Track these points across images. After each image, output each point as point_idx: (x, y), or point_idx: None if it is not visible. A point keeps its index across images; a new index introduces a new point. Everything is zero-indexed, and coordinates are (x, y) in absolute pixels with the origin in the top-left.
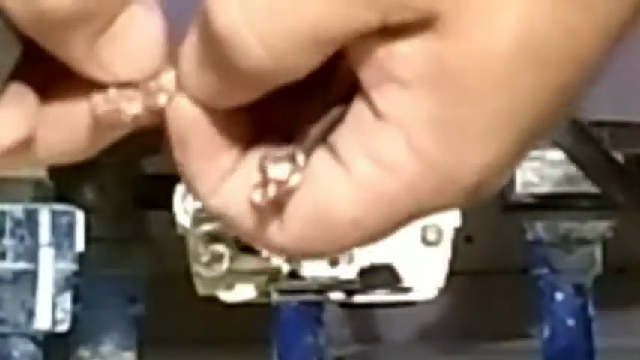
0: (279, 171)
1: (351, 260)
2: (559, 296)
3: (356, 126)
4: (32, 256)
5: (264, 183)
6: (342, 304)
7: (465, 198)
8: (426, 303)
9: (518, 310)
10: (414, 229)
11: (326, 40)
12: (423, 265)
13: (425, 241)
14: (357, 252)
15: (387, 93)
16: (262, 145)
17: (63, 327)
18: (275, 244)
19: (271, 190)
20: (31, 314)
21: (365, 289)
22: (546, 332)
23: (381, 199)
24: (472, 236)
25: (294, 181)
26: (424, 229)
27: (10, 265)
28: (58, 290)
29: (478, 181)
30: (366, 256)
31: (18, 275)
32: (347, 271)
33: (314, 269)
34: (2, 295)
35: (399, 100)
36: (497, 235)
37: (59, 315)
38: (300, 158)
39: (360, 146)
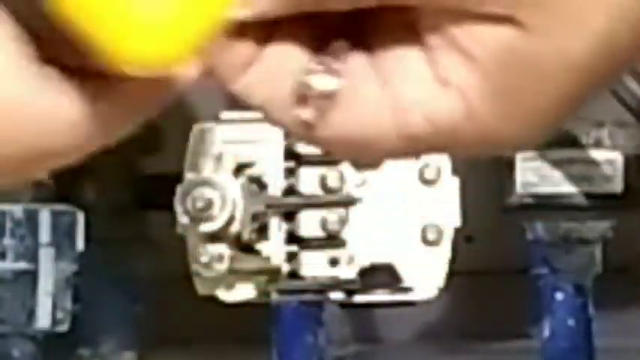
0: (322, 81)
1: (351, 260)
2: (559, 296)
3: (413, 79)
4: (32, 256)
5: (306, 98)
6: (342, 304)
7: (495, 152)
8: (426, 303)
9: (518, 310)
10: (414, 229)
11: None
12: (423, 265)
13: (425, 241)
14: (357, 252)
15: (452, 61)
16: (279, 42)
17: (63, 327)
18: (302, 136)
19: (316, 103)
20: (31, 314)
21: (365, 289)
22: (546, 332)
23: (423, 144)
24: (472, 236)
25: (333, 86)
26: (424, 229)
27: (10, 265)
28: (58, 290)
29: (519, 144)
30: (366, 256)
31: (18, 275)
32: (347, 271)
33: (314, 269)
34: (2, 295)
35: (463, 69)
36: (497, 235)
37: (59, 315)
38: (339, 67)
39: (416, 99)
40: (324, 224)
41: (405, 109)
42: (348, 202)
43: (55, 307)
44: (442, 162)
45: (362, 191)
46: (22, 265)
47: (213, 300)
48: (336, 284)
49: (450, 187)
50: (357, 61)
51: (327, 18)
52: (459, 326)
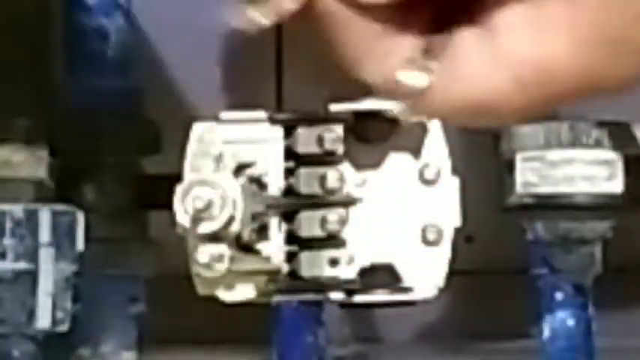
0: (413, 79)
1: (351, 260)
2: (559, 296)
3: (519, 30)
4: (32, 256)
5: (399, 92)
6: (342, 304)
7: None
8: (426, 303)
9: (518, 310)
10: (414, 229)
11: None
12: (423, 265)
13: (425, 241)
14: (357, 252)
15: (556, 8)
16: (410, 33)
17: (63, 327)
18: (421, 113)
19: (408, 98)
20: (31, 314)
21: (365, 289)
22: (546, 332)
23: (536, 94)
24: (472, 236)
25: (424, 82)
26: (424, 229)
27: (10, 265)
28: (58, 290)
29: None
30: (366, 256)
31: (18, 275)
32: (347, 271)
33: (314, 269)
34: (2, 295)
35: (566, 14)
36: (497, 235)
37: (59, 315)
38: (434, 65)
39: (523, 49)
40: (324, 224)
41: (515, 62)
42: (348, 202)
43: (55, 307)
44: (442, 162)
45: (362, 191)
46: (22, 265)
47: (213, 300)
48: (336, 284)
49: (449, 187)
50: (466, 31)
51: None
52: (459, 326)
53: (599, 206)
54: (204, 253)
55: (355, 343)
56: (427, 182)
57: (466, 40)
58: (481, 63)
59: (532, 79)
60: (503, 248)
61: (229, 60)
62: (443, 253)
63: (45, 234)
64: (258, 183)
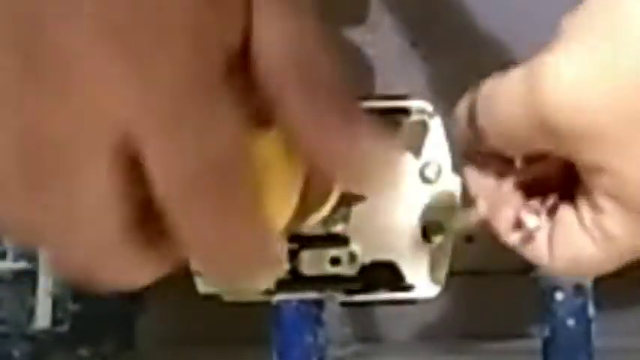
0: (530, 221)
1: (352, 259)
2: (559, 296)
3: (590, 209)
4: (32, 256)
5: (519, 227)
6: (343, 304)
7: None
8: (426, 303)
9: (518, 310)
10: (415, 227)
11: None
12: (424, 263)
13: (426, 239)
14: (358, 250)
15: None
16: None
17: (63, 327)
18: (542, 266)
19: (525, 235)
20: (31, 314)
21: (366, 287)
22: (546, 332)
23: (615, 256)
24: (472, 236)
25: (536, 229)
26: (425, 228)
27: (10, 265)
28: (58, 290)
29: None
30: (368, 254)
31: (18, 275)
32: (348, 270)
33: (315, 268)
34: (2, 295)
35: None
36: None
37: (59, 315)
38: (543, 217)
39: (593, 222)
40: (324, 223)
41: (609, 238)
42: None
43: (55, 307)
44: (443, 160)
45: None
46: (22, 265)
47: (213, 299)
48: (337, 283)
49: (450, 185)
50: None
51: (551, 184)
52: (459, 326)
53: None
54: None
55: (355, 343)
56: (428, 181)
57: (569, 216)
58: (583, 238)
59: (622, 248)
60: (503, 248)
61: None
62: (444, 253)
63: None
64: None
